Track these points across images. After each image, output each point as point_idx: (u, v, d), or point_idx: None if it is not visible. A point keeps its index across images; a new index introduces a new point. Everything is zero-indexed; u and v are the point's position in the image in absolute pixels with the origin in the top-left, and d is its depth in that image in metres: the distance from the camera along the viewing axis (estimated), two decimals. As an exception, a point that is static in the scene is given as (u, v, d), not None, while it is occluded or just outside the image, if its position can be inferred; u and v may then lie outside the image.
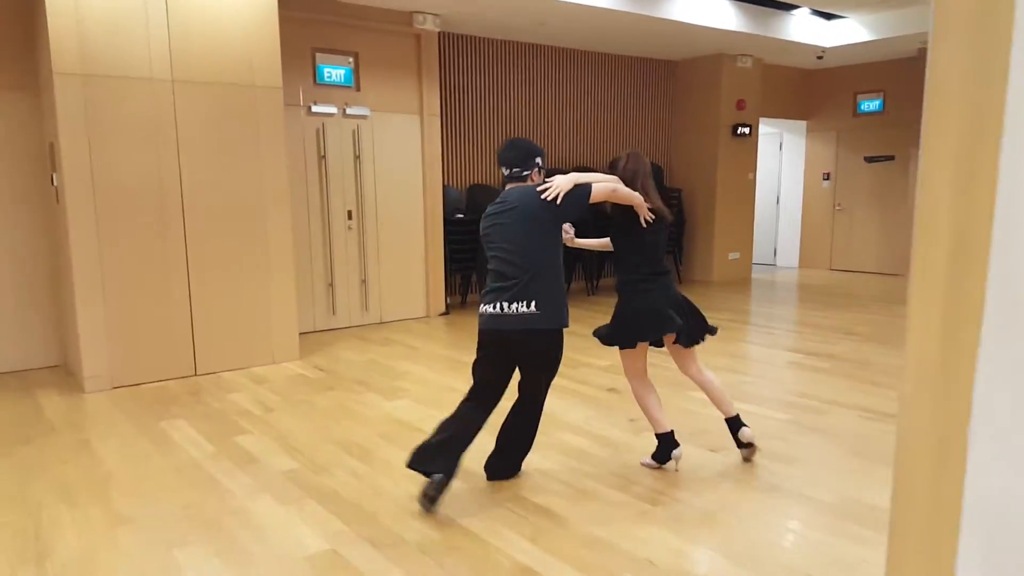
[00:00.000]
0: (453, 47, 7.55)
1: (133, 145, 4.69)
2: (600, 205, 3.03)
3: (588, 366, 5.12)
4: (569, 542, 2.64)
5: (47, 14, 4.33)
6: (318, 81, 6.35)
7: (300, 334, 5.64)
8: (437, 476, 2.84)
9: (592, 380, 4.82)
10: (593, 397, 4.47)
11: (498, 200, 3.01)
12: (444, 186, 7.30)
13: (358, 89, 6.56)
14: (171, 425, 4.03)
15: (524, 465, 3.29)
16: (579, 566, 2.48)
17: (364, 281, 6.79)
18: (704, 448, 3.57)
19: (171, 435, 3.87)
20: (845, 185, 10.37)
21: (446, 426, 2.98)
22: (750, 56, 9.17)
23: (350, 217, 6.64)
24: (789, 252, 11.11)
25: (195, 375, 5.06)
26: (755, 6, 7.92)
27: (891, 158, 9.81)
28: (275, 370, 5.22)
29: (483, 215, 3.05)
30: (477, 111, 7.83)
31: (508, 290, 2.86)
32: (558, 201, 2.85)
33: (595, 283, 8.50)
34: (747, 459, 3.37)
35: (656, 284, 3.19)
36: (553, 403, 4.17)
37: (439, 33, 7.06)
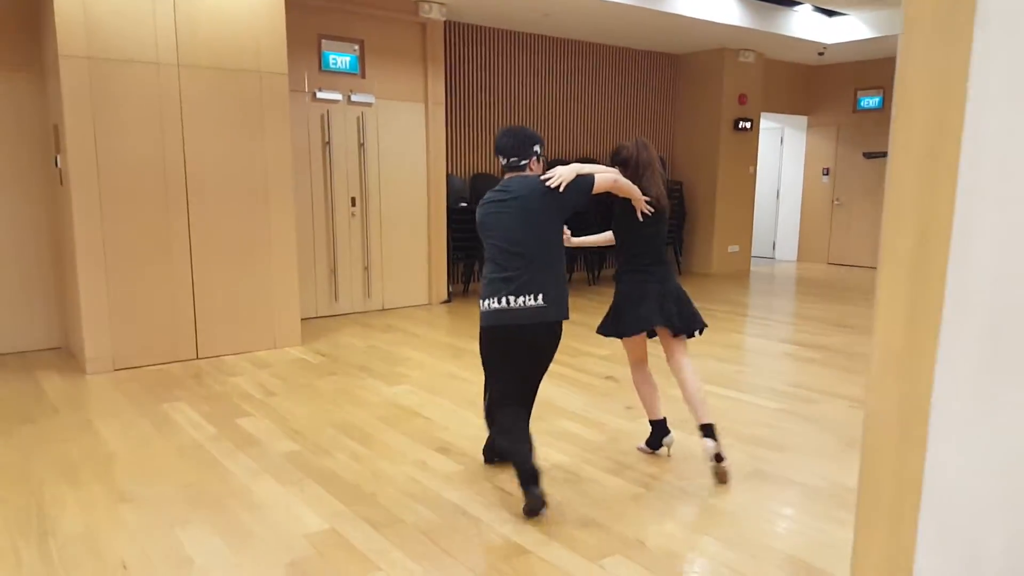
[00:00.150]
0: (458, 36, 7.57)
1: (138, 129, 4.73)
2: (603, 196, 3.06)
3: (588, 355, 5.18)
4: (563, 523, 2.71)
5: (54, -3, 4.37)
6: (323, 68, 6.38)
7: (302, 320, 5.70)
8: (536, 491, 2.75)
9: (591, 368, 4.88)
10: (591, 385, 4.53)
11: (498, 188, 2.94)
12: (448, 175, 7.34)
13: (363, 76, 6.59)
14: (173, 407, 4.09)
15: None
16: (572, 546, 2.55)
17: (367, 268, 6.84)
18: (697, 435, 3.63)
19: (173, 417, 3.94)
20: (844, 180, 10.41)
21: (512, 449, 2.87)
22: (752, 51, 9.19)
23: (353, 204, 6.69)
24: (788, 245, 11.16)
25: (197, 358, 5.12)
26: (758, 2, 7.94)
27: (892, 154, 9.83)
28: (277, 354, 5.28)
29: (480, 202, 2.97)
30: (481, 101, 7.86)
31: (512, 282, 2.80)
32: (561, 190, 2.84)
33: (596, 273, 8.55)
34: (720, 476, 3.09)
35: (654, 275, 3.23)
36: (552, 390, 4.24)
37: (445, 22, 7.08)
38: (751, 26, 7.97)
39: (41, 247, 5.30)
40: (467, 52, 7.68)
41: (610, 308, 3.29)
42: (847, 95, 10.22)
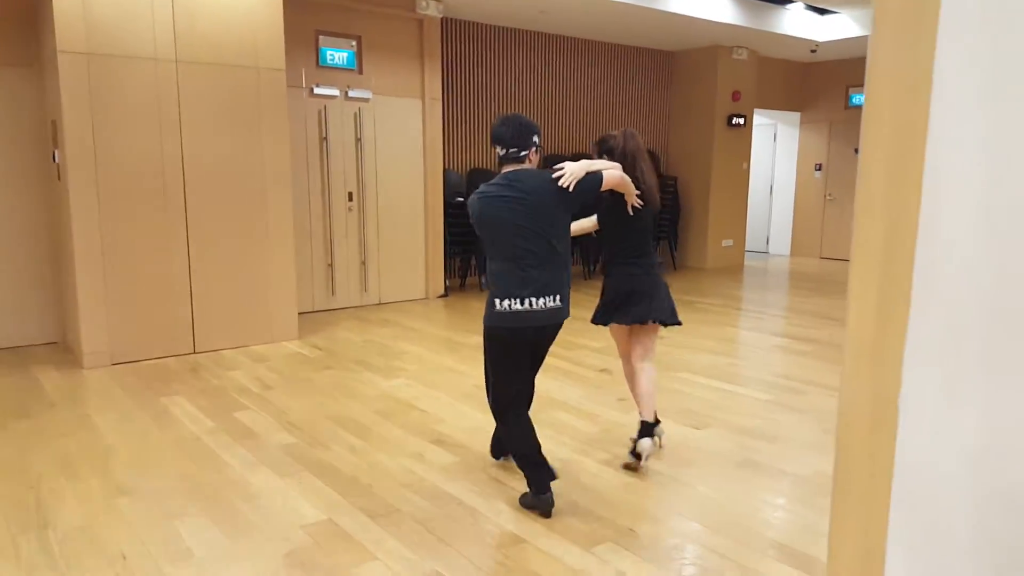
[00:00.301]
0: (455, 33, 7.59)
1: (136, 124, 4.76)
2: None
3: (583, 347, 5.24)
4: (557, 512, 2.75)
5: (51, -7, 4.38)
6: (321, 64, 6.40)
7: (299, 314, 5.74)
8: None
9: (586, 361, 4.93)
10: (586, 377, 4.58)
11: (500, 182, 2.78)
12: (445, 170, 7.37)
13: (360, 72, 6.61)
14: (170, 401, 4.13)
15: None
16: (566, 535, 2.60)
17: (364, 262, 6.87)
18: (688, 425, 3.70)
19: (171, 410, 3.97)
20: (836, 176, 10.49)
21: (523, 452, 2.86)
22: (746, 48, 9.24)
23: (351, 199, 6.72)
24: (781, 240, 11.24)
25: (194, 353, 5.15)
26: (751, 0, 7.99)
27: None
28: (274, 349, 5.32)
29: (479, 196, 2.79)
30: (478, 96, 7.88)
31: (531, 283, 2.70)
32: (571, 188, 2.74)
33: (592, 267, 8.60)
34: (628, 466, 3.18)
35: (641, 267, 3.23)
36: (548, 383, 4.29)
37: (442, 19, 7.10)
38: (744, 24, 8.02)
39: (38, 242, 5.32)
40: (464, 48, 7.70)
41: (600, 300, 3.32)
42: (839, 92, 10.28)
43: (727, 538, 2.60)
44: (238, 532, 2.64)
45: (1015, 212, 0.89)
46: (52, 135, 4.96)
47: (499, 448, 3.25)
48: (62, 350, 5.27)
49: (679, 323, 3.29)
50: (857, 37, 8.62)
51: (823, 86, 10.43)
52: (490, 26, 7.85)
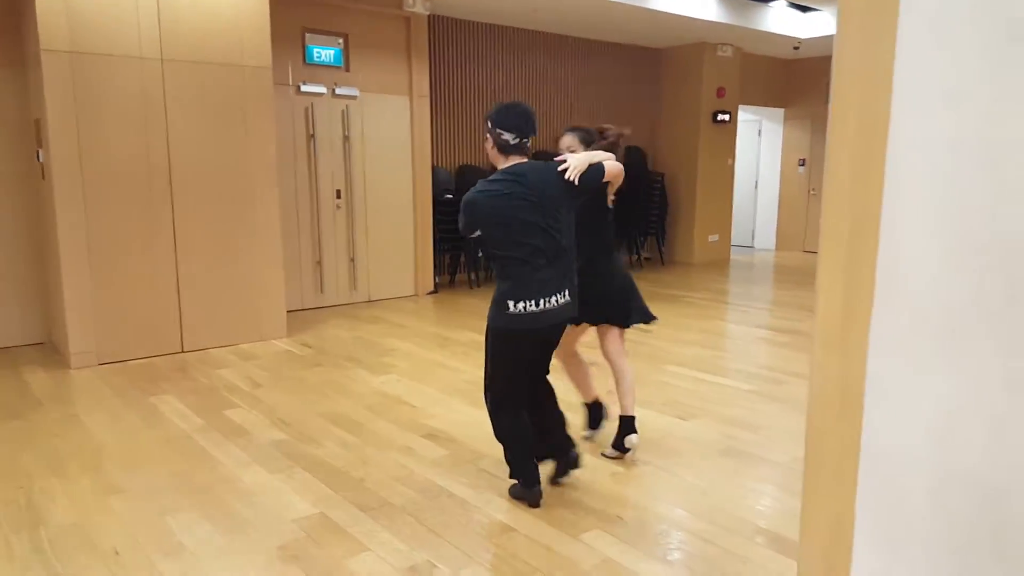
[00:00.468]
0: (443, 30, 7.60)
1: (121, 123, 4.75)
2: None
3: (568, 344, 5.28)
4: (545, 502, 2.80)
5: (34, -9, 4.37)
6: (308, 61, 6.40)
7: (288, 312, 5.75)
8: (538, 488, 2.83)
9: (571, 357, 4.98)
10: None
11: (504, 178, 2.67)
12: (433, 167, 7.40)
13: (347, 70, 6.62)
14: (160, 400, 4.14)
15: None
16: (553, 523, 2.65)
17: (352, 260, 6.89)
18: (674, 416, 3.76)
19: (160, 409, 3.98)
20: (820, 171, 10.58)
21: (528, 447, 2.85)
22: (730, 45, 9.32)
23: (339, 196, 6.73)
24: (766, 234, 11.36)
25: (182, 352, 5.16)
26: (736, -5, 8.07)
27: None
28: (263, 347, 5.33)
29: (483, 194, 2.67)
30: (466, 94, 7.91)
31: (544, 283, 2.64)
32: (577, 183, 2.70)
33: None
34: (610, 456, 3.23)
35: (616, 261, 3.23)
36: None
37: (429, 16, 7.12)
38: (729, 21, 8.10)
39: (23, 241, 5.30)
40: (451, 45, 7.72)
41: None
42: (822, 88, 10.38)
43: (711, 524, 2.66)
44: (231, 527, 2.67)
45: (969, 208, 0.94)
46: (36, 134, 4.94)
47: (564, 469, 2.99)
48: (49, 350, 5.25)
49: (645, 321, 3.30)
50: (839, 33, 8.74)
51: (806, 83, 10.55)
52: (477, 23, 7.87)
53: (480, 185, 2.72)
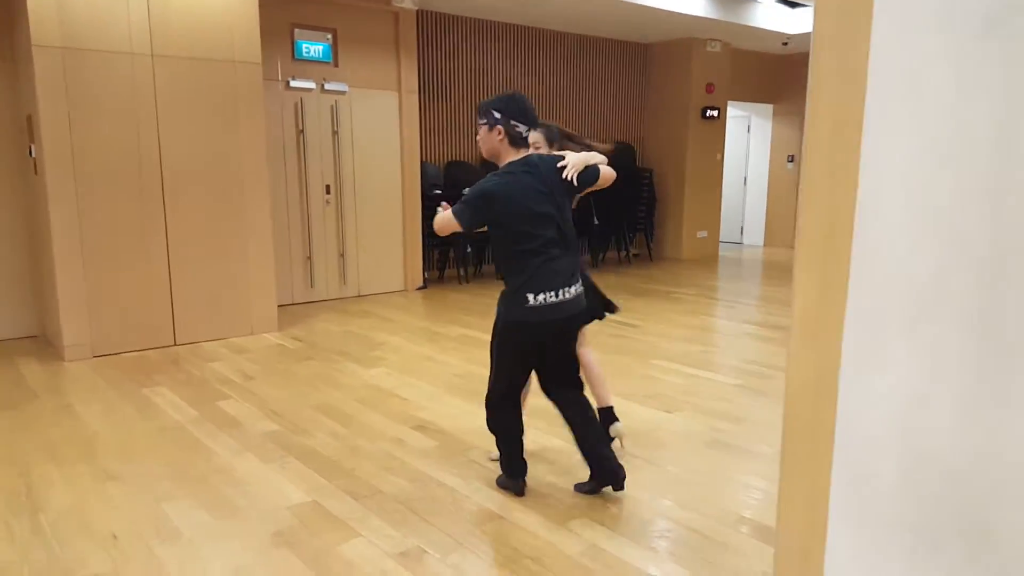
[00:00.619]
0: (431, 25, 7.64)
1: (113, 118, 4.78)
2: None
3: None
4: (533, 491, 2.88)
5: (26, -13, 4.39)
6: (296, 56, 6.43)
7: (279, 306, 5.79)
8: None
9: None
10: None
11: (518, 169, 2.66)
12: (422, 162, 7.44)
13: (336, 65, 6.65)
14: (153, 391, 4.18)
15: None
16: (541, 511, 2.72)
17: (342, 255, 6.93)
18: (660, 409, 3.84)
19: (154, 400, 4.03)
20: (810, 167, 10.71)
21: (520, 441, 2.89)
22: (719, 41, 9.39)
23: (328, 191, 6.77)
24: (755, 230, 11.45)
25: (175, 345, 5.20)
26: (725, -9, 8.14)
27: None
28: (254, 340, 5.37)
29: (501, 183, 2.64)
30: (455, 89, 7.95)
31: (560, 273, 2.66)
32: (575, 181, 2.73)
33: (603, 256, 8.72)
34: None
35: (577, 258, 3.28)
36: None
37: (417, 11, 7.16)
38: (717, 17, 8.16)
39: (15, 236, 5.32)
40: (439, 41, 7.76)
41: None
42: (811, 84, 10.50)
43: (696, 513, 2.73)
44: (226, 514, 2.72)
45: (936, 202, 1.01)
46: (28, 129, 4.96)
47: (612, 480, 2.91)
48: (42, 343, 5.28)
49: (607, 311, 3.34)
50: (826, 31, 8.82)
51: (795, 78, 10.63)
52: (465, 18, 7.91)
53: (495, 176, 2.68)
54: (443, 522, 2.66)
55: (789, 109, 10.80)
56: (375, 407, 3.91)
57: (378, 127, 6.98)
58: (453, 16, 7.81)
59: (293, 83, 6.41)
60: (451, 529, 2.61)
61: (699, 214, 9.85)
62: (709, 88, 9.48)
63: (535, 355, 2.80)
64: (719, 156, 9.95)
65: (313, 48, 6.50)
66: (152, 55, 4.87)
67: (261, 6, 5.34)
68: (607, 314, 3.35)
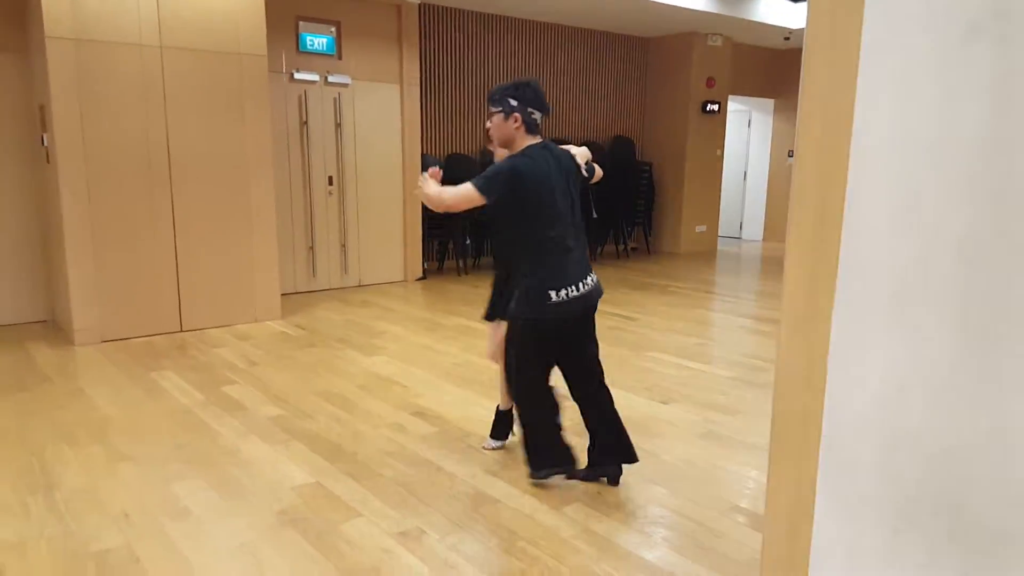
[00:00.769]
0: (433, 18, 7.70)
1: (122, 109, 4.86)
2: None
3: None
4: (527, 476, 2.97)
5: (38, -22, 4.46)
6: (301, 49, 6.51)
7: (281, 295, 5.89)
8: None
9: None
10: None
11: (541, 153, 2.64)
12: (423, 154, 7.52)
13: (340, 58, 6.73)
14: (161, 376, 4.29)
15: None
16: (537, 496, 2.83)
17: (344, 245, 7.02)
18: (655, 401, 3.93)
19: (161, 384, 4.14)
20: (809, 163, 10.75)
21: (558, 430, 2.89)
22: (720, 35, 9.43)
23: (331, 183, 6.85)
24: (754, 226, 11.51)
25: (181, 331, 5.30)
26: (726, -14, 8.18)
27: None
28: (258, 328, 5.48)
29: (525, 166, 2.58)
30: (456, 81, 8.02)
31: (577, 263, 2.67)
32: (586, 172, 2.78)
33: (600, 249, 8.80)
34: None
35: None
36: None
37: (420, 4, 7.22)
38: (719, 11, 8.20)
39: (27, 223, 5.42)
40: (441, 34, 7.82)
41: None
42: (812, 80, 10.53)
43: (689, 501, 2.81)
44: (232, 493, 2.83)
45: (919, 197, 1.07)
46: (40, 119, 5.05)
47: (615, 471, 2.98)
48: (53, 328, 5.39)
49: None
50: (827, 28, 8.85)
51: (797, 74, 10.59)
52: (467, 11, 7.97)
53: (518, 157, 2.62)
54: (441, 505, 2.76)
55: (790, 104, 10.83)
56: (376, 394, 4.01)
57: (380, 119, 7.06)
58: (454, 9, 7.87)
59: (297, 75, 6.49)
60: (449, 511, 2.71)
61: (698, 208, 9.91)
62: (710, 82, 9.52)
63: (557, 344, 2.78)
64: (719, 151, 10.01)
65: (317, 41, 6.58)
66: (160, 47, 4.95)
67: (267, -1, 5.42)
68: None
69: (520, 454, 3.18)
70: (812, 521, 1.26)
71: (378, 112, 7.03)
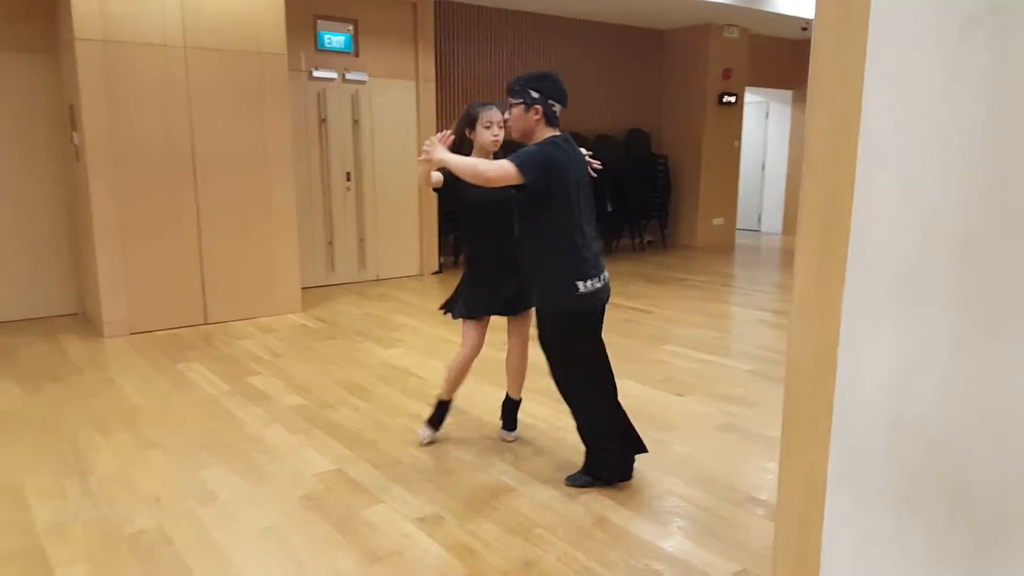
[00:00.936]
0: (448, 15, 7.76)
1: (148, 108, 4.99)
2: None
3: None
4: (545, 467, 3.04)
5: (68, -18, 4.59)
6: (319, 47, 6.60)
7: (302, 288, 6.00)
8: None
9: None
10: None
11: (563, 143, 2.63)
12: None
13: (357, 55, 6.81)
14: (187, 367, 4.42)
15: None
16: (552, 484, 2.89)
17: (361, 240, 7.13)
18: (671, 393, 3.98)
19: (188, 375, 4.26)
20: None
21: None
22: (737, 26, 9.38)
23: (348, 179, 6.95)
24: (773, 218, 11.43)
25: (205, 323, 5.43)
26: (743, -22, 8.14)
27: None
28: (280, 320, 5.60)
29: (554, 151, 2.57)
30: (471, 77, 8.08)
31: (596, 256, 2.69)
32: (593, 173, 2.82)
33: (616, 243, 8.82)
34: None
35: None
36: (535, 353, 4.53)
37: (435, 1, 7.28)
38: (735, 2, 8.16)
39: (58, 219, 5.58)
40: (457, 30, 7.88)
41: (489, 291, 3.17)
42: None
43: (704, 491, 2.83)
44: (257, 479, 2.93)
45: (923, 187, 1.10)
46: (70, 118, 5.20)
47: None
48: (82, 321, 5.55)
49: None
50: (845, 18, 8.77)
51: (813, 66, 10.58)
52: (482, 8, 8.01)
53: (543, 146, 2.58)
54: (460, 492, 2.84)
55: (808, 96, 10.75)
56: (394, 384, 4.10)
57: (396, 116, 7.14)
58: (469, 5, 7.91)
59: (316, 73, 6.58)
60: (467, 498, 2.79)
61: (715, 201, 9.87)
62: (726, 74, 9.48)
63: (593, 336, 2.76)
64: (736, 142, 9.95)
65: (335, 39, 6.67)
66: (184, 47, 5.07)
67: (287, -2, 5.51)
68: None
69: (535, 445, 3.26)
70: (824, 505, 1.28)
71: (394, 109, 7.12)
